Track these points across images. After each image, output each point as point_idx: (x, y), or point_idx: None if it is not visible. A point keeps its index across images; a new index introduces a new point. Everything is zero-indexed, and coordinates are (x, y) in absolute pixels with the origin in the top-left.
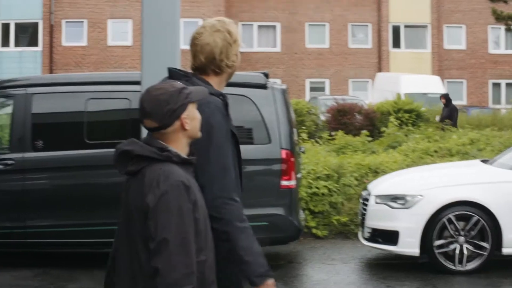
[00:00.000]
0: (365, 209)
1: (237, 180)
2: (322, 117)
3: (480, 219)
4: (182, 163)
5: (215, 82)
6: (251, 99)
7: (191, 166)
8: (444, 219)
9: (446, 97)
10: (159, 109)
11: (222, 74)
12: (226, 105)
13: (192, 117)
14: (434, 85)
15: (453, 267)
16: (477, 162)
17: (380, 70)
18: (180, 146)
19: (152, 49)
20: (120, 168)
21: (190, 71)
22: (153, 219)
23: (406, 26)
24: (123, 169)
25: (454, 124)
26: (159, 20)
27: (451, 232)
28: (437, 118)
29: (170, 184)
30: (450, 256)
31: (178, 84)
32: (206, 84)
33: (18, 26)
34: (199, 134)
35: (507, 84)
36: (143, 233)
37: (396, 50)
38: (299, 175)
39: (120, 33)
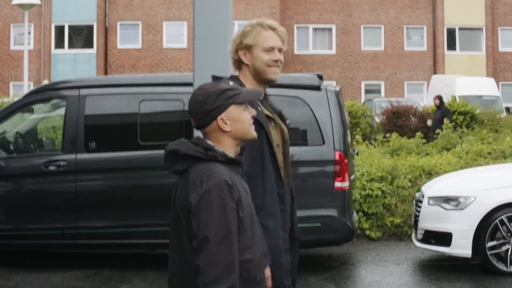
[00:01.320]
0: (418, 211)
1: (275, 170)
2: (377, 119)
3: None
4: (229, 162)
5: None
6: (304, 101)
7: (239, 166)
8: (497, 221)
9: (440, 99)
10: (197, 109)
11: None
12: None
13: (235, 119)
14: (489, 87)
15: (505, 269)
16: None
17: (435, 72)
18: (226, 146)
19: (204, 51)
20: (168, 167)
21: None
22: (196, 217)
23: (460, 29)
24: (172, 168)
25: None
26: (211, 22)
27: (503, 233)
28: (429, 122)
29: (213, 183)
30: (502, 258)
31: (224, 85)
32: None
33: (73, 28)
34: (248, 136)
35: None
36: (189, 232)
37: (451, 52)
38: (352, 177)
39: (175, 35)
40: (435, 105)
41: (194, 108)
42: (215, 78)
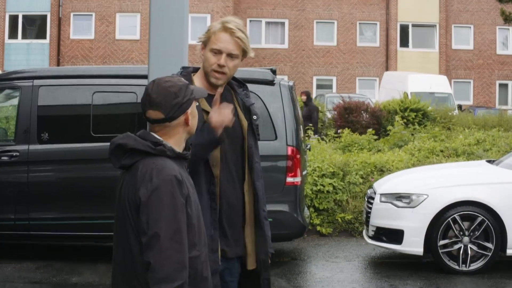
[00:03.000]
0: (370, 208)
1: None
2: (329, 115)
3: (485, 219)
4: (177, 157)
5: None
6: (258, 95)
7: (185, 161)
8: (449, 219)
9: (307, 94)
10: (168, 101)
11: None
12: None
13: (194, 114)
14: (441, 85)
15: (457, 267)
16: (482, 162)
17: (387, 68)
18: (178, 141)
19: (160, 44)
20: (114, 161)
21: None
22: (145, 213)
23: (414, 25)
24: (118, 162)
25: (315, 125)
26: (167, 15)
27: (456, 232)
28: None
29: (163, 178)
30: (454, 256)
31: (184, 80)
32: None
33: (26, 18)
34: (195, 132)
35: None
36: (136, 227)
37: (404, 49)
38: (304, 172)
39: (128, 27)
40: (302, 101)
41: (163, 100)
42: (184, 68)
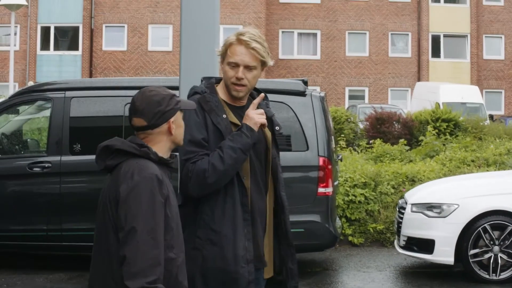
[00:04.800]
0: (401, 217)
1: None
2: (361, 125)
3: None
4: (159, 162)
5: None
6: (289, 106)
7: (168, 168)
8: (479, 229)
9: None
10: (151, 109)
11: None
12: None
13: (178, 124)
14: (473, 95)
15: (487, 277)
16: None
17: (419, 79)
18: (162, 149)
19: (191, 55)
20: (99, 163)
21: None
22: (124, 208)
23: (445, 36)
24: (103, 163)
25: None
26: (198, 26)
27: (486, 241)
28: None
29: (144, 176)
30: (484, 265)
31: (170, 90)
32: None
33: (58, 29)
34: (181, 142)
35: None
36: (115, 224)
37: (435, 59)
38: (336, 183)
39: (160, 38)
40: None
41: (147, 108)
42: (206, 79)
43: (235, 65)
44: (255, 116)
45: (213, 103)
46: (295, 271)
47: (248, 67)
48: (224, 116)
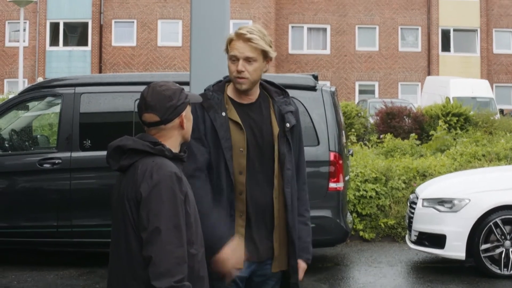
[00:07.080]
0: (412, 212)
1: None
2: (371, 120)
3: None
4: (174, 158)
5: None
6: (300, 101)
7: (181, 163)
8: (491, 223)
9: None
10: (163, 104)
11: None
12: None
13: (188, 118)
14: (483, 89)
15: (498, 271)
16: None
17: (429, 73)
18: (173, 144)
19: (201, 50)
20: (112, 163)
21: None
22: (146, 208)
23: (455, 30)
24: (116, 164)
25: None
26: (208, 21)
27: (497, 236)
28: None
29: (163, 174)
30: (495, 260)
31: (177, 84)
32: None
33: (67, 25)
34: (189, 138)
35: None
36: (137, 225)
37: (445, 53)
38: (347, 178)
39: (169, 33)
40: None
41: (158, 103)
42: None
43: (235, 59)
44: (224, 261)
45: (213, 101)
46: (295, 268)
47: (247, 59)
48: (223, 114)
